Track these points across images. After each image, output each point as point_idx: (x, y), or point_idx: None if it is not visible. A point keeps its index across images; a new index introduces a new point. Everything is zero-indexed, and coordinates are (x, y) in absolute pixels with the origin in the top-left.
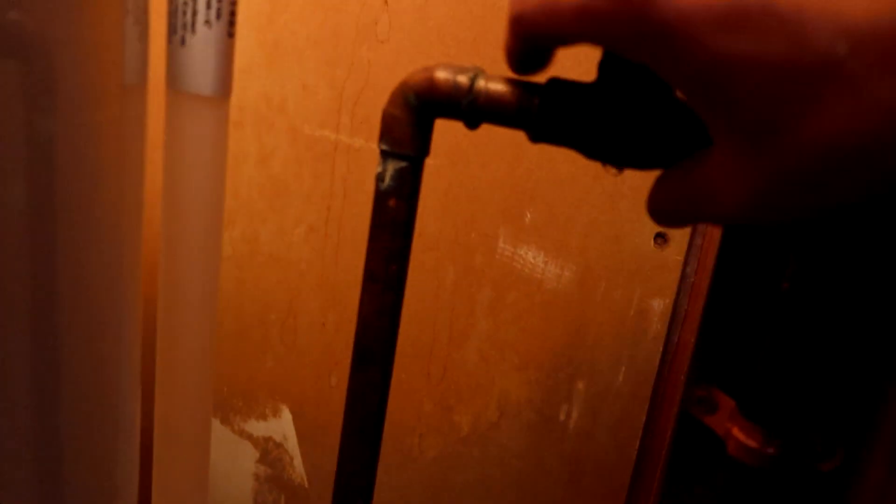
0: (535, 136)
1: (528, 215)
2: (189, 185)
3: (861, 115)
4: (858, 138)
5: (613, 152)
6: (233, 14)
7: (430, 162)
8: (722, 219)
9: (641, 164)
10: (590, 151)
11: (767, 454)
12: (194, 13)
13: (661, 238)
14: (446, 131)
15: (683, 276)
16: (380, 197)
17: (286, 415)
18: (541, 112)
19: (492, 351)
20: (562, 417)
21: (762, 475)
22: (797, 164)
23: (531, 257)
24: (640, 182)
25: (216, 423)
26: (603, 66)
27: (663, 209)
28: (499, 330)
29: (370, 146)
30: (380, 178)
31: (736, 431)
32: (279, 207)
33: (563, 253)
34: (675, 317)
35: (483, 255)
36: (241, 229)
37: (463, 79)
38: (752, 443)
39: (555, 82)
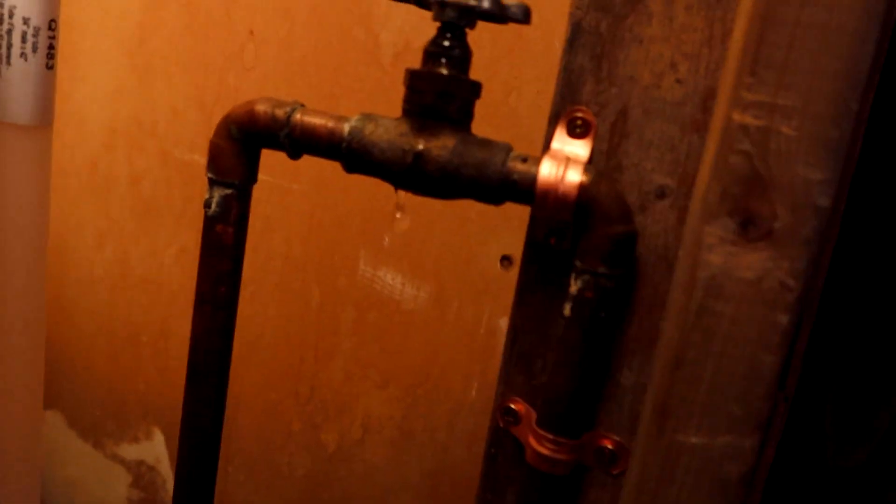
0: (348, 168)
1: (387, 239)
2: (9, 207)
3: None
4: None
5: (416, 185)
6: (51, 48)
7: (295, 188)
8: None
9: (440, 195)
10: (396, 183)
11: (560, 461)
12: (9, 46)
13: (506, 261)
14: (312, 158)
15: None
16: (208, 222)
17: (159, 437)
18: (348, 146)
19: (356, 369)
20: (421, 433)
21: (556, 482)
22: None
23: (389, 279)
24: (486, 207)
25: (88, 448)
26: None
27: None
28: (361, 349)
29: None
30: (207, 204)
31: (532, 440)
32: (151, 229)
33: (418, 274)
34: None
35: (346, 277)
36: (112, 251)
37: (280, 112)
38: (544, 450)
39: (363, 117)
